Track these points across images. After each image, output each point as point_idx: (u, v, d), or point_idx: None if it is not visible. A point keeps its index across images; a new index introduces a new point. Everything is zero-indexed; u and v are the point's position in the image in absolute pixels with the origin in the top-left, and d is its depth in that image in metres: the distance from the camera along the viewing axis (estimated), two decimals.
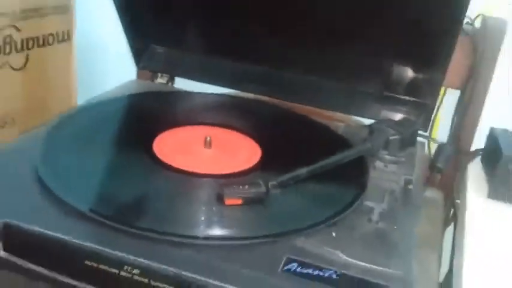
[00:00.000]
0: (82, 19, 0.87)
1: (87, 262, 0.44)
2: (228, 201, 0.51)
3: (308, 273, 0.44)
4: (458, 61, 0.70)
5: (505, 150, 0.65)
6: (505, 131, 0.72)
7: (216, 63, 0.77)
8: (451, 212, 0.72)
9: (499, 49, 0.71)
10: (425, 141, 0.74)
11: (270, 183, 0.53)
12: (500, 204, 0.64)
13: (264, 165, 0.60)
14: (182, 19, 0.77)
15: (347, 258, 0.46)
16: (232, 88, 0.79)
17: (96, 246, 0.44)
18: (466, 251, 0.56)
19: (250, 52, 0.73)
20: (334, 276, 0.44)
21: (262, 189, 0.52)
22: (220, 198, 0.51)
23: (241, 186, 0.52)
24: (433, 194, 0.71)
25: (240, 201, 0.51)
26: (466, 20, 0.72)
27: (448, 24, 0.60)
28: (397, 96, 0.72)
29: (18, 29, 0.77)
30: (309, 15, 0.67)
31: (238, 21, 0.72)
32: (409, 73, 0.70)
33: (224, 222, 0.50)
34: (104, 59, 1.01)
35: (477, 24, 0.75)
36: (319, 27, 0.68)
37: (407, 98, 0.71)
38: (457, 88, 0.75)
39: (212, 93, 0.80)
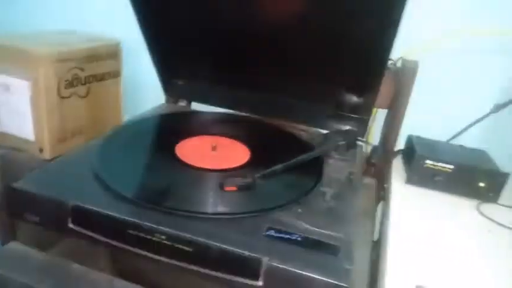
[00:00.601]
0: (130, 62, 0.87)
1: (130, 231, 0.44)
2: (227, 188, 0.51)
3: (281, 237, 0.44)
4: (385, 90, 0.70)
5: (418, 150, 0.65)
6: (418, 137, 0.73)
7: (218, 92, 0.77)
8: (382, 193, 0.73)
9: (413, 82, 0.72)
10: (364, 144, 0.75)
11: (256, 176, 0.53)
12: (414, 188, 0.65)
13: (252, 163, 0.59)
14: (194, 64, 0.76)
15: (308, 226, 0.46)
16: (230, 109, 0.79)
17: (136, 220, 0.44)
18: (391, 218, 0.56)
19: (244, 84, 0.73)
20: (299, 238, 0.44)
21: (251, 179, 0.52)
22: (221, 186, 0.51)
23: (236, 178, 0.52)
24: (369, 180, 0.71)
25: (235, 188, 0.51)
26: (390, 62, 0.74)
27: (377, 67, 0.60)
28: (344, 114, 0.71)
29: (82, 70, 0.77)
30: (288, 61, 0.67)
31: (235, 63, 0.72)
32: (352, 99, 0.69)
33: (224, 202, 0.50)
34: (144, 89, 1.00)
35: (398, 64, 0.75)
36: (294, 69, 0.67)
37: (350, 115, 0.71)
38: (385, 108, 0.75)
39: (217, 112, 0.80)
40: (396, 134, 0.75)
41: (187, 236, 0.43)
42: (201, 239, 0.42)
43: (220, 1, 0.64)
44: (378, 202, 0.70)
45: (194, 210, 0.47)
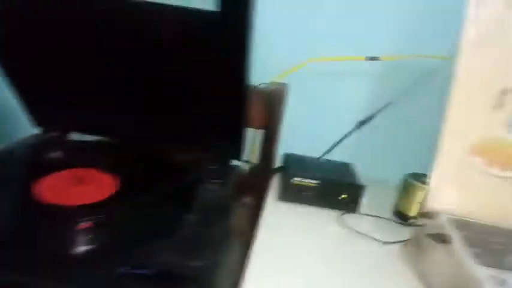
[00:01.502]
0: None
1: None
2: (82, 226, 0.48)
3: (136, 273, 0.43)
4: (258, 112, 0.73)
5: (287, 168, 0.69)
6: (291, 154, 0.77)
7: (89, 119, 0.72)
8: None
9: (284, 103, 0.75)
10: (242, 164, 0.76)
11: (115, 210, 0.51)
12: (285, 204, 0.68)
13: (120, 194, 0.56)
14: (60, 91, 0.71)
15: (170, 258, 0.45)
16: (103, 136, 0.75)
17: None
18: (258, 237, 0.58)
19: (116, 110, 0.70)
20: (153, 272, 0.43)
21: (108, 214, 0.50)
22: (78, 223, 0.48)
23: (94, 214, 0.49)
24: (247, 200, 0.72)
25: (90, 224, 0.48)
26: (262, 85, 0.77)
27: (239, 92, 0.61)
28: (217, 137, 0.69)
29: None
30: (156, 87, 0.66)
31: (104, 89, 0.68)
32: (223, 123, 0.69)
33: (78, 242, 0.47)
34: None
35: (269, 87, 0.79)
36: (164, 95, 0.66)
37: (223, 138, 0.69)
38: (260, 129, 0.77)
39: (84, 141, 0.75)
40: (273, 153, 0.78)
41: (34, 283, 0.39)
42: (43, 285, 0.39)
43: (80, 26, 0.61)
44: (255, 221, 0.71)
45: (44, 253, 0.44)
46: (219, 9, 0.52)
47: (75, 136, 0.79)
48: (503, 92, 0.55)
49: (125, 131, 0.72)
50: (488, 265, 0.44)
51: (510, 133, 0.55)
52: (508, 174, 0.55)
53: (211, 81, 0.61)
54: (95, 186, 0.58)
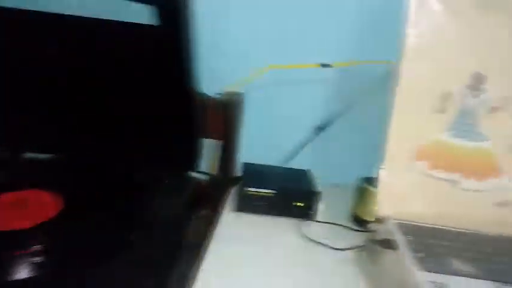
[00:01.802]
0: None
1: None
2: (19, 252, 0.46)
3: None
4: (216, 123, 0.72)
5: (245, 178, 0.68)
6: (249, 164, 0.76)
7: (38, 139, 0.71)
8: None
9: (240, 112, 0.75)
10: (201, 175, 0.75)
11: (59, 235, 0.49)
12: (242, 215, 0.67)
13: (63, 217, 0.54)
14: (9, 117, 0.68)
15: (118, 279, 0.44)
16: (54, 154, 0.73)
17: None
18: (212, 246, 0.57)
19: (69, 127, 0.68)
20: None
21: (52, 239, 0.48)
22: (16, 249, 0.46)
23: (34, 239, 0.48)
24: (205, 212, 0.71)
25: (28, 251, 0.46)
26: (218, 95, 0.76)
27: (187, 105, 0.61)
28: (171, 150, 0.68)
29: None
30: (106, 103, 0.64)
31: (52, 113, 0.67)
32: (176, 135, 0.68)
33: (19, 269, 0.45)
34: None
35: (228, 96, 0.78)
36: (115, 112, 0.65)
37: (181, 152, 0.69)
38: (218, 139, 0.76)
39: (33, 159, 0.72)
40: (231, 164, 0.77)
41: None
42: None
43: (27, 44, 0.60)
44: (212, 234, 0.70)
45: None
46: (158, 23, 0.52)
47: (26, 155, 0.77)
48: (445, 96, 0.56)
49: (75, 148, 0.70)
50: (431, 270, 0.45)
51: (453, 136, 0.56)
52: (452, 177, 0.56)
53: (158, 93, 0.60)
54: (37, 208, 0.55)
